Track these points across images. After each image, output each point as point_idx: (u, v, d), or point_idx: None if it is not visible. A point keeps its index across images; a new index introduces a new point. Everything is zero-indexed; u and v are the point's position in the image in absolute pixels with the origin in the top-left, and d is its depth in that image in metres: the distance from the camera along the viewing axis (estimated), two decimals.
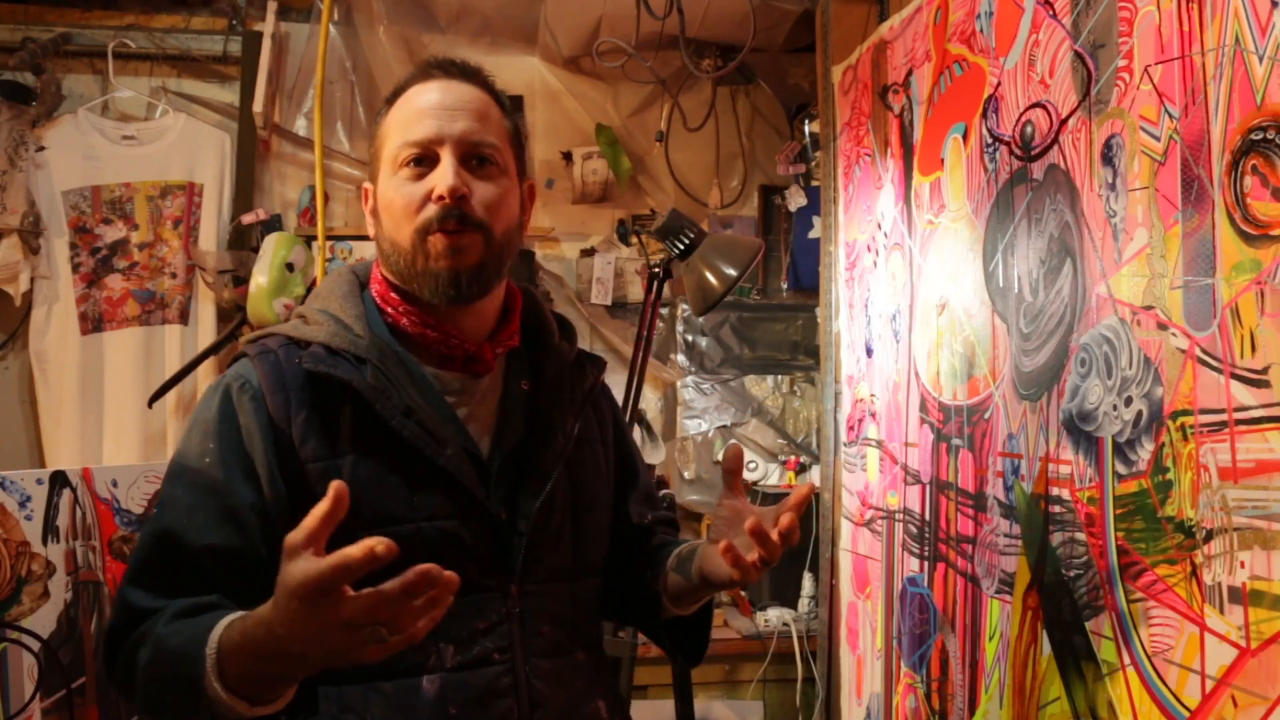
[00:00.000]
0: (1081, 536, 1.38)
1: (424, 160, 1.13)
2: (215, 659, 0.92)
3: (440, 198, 1.10)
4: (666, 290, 2.17)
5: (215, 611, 0.98)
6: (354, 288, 1.21)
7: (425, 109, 1.14)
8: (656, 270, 2.14)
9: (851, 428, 2.31)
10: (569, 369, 1.28)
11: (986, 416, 1.66)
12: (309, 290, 2.74)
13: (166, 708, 0.99)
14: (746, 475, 2.96)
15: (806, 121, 2.99)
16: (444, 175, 1.11)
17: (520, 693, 1.13)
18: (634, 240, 3.09)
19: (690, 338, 3.06)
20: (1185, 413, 1.17)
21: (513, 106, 1.25)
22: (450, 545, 1.11)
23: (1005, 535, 1.59)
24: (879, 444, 2.14)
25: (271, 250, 2.69)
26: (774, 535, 1.05)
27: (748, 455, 3.00)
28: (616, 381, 2.06)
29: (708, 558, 1.17)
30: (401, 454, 1.10)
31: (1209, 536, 1.13)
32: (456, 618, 1.06)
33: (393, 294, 1.18)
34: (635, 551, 1.34)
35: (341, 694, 1.08)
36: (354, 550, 0.82)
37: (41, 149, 2.71)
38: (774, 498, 2.83)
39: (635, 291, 3.05)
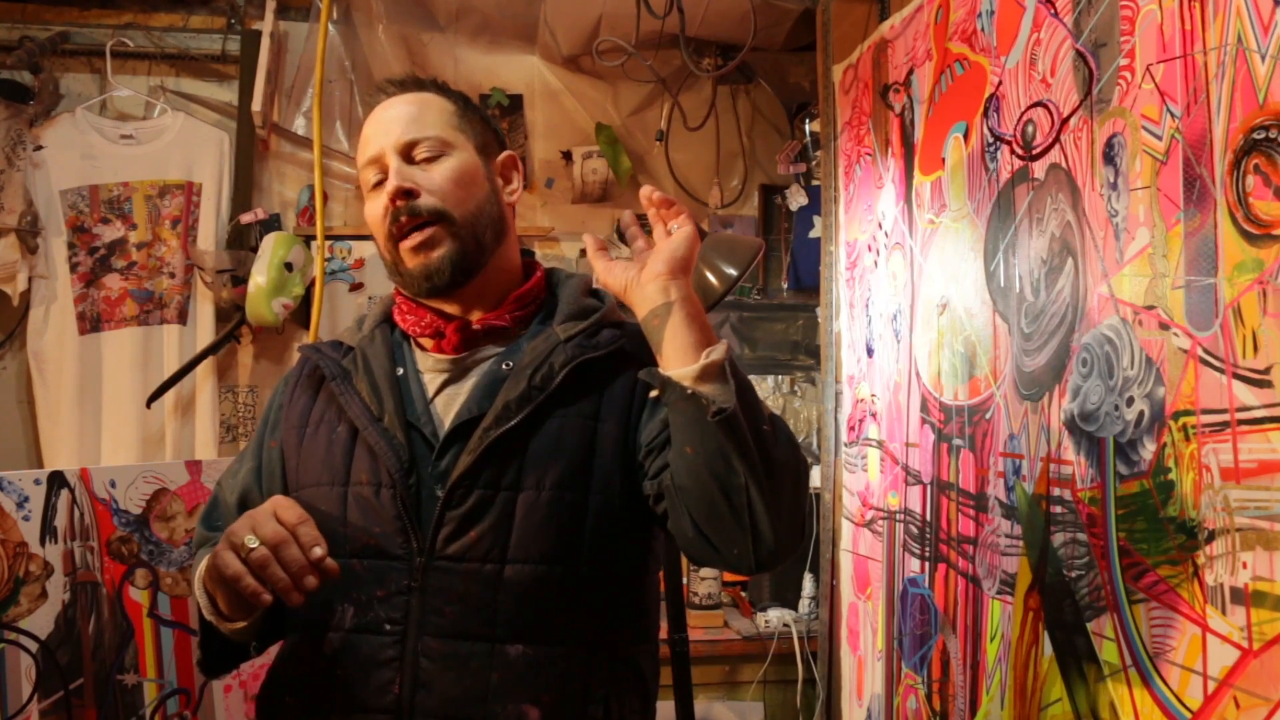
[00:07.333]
0: (1083, 537, 1.37)
1: (382, 180, 1.22)
2: (202, 576, 1.16)
3: (389, 203, 1.19)
4: None
5: None
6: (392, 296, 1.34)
7: (370, 132, 1.24)
8: None
9: (852, 428, 2.31)
10: (562, 348, 1.20)
11: (988, 416, 1.66)
12: (308, 290, 2.75)
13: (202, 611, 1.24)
14: None
15: (807, 121, 2.98)
16: (389, 181, 1.20)
17: (405, 668, 1.12)
18: None
19: None
20: (1187, 413, 1.17)
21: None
22: (364, 509, 1.17)
23: (1006, 536, 1.59)
24: (880, 444, 2.14)
25: (270, 250, 2.68)
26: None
27: None
28: None
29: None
30: (349, 426, 1.21)
31: (1211, 537, 1.13)
32: (360, 581, 1.15)
33: (399, 295, 1.30)
34: None
35: (287, 642, 1.23)
36: (315, 533, 1.05)
37: (39, 148, 2.70)
38: None
39: None
